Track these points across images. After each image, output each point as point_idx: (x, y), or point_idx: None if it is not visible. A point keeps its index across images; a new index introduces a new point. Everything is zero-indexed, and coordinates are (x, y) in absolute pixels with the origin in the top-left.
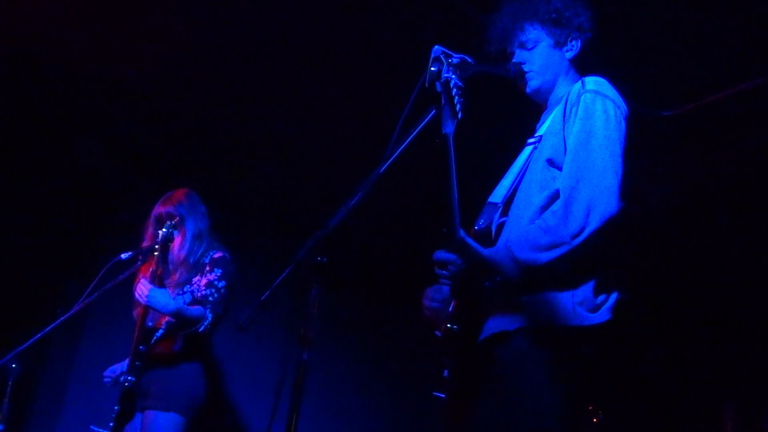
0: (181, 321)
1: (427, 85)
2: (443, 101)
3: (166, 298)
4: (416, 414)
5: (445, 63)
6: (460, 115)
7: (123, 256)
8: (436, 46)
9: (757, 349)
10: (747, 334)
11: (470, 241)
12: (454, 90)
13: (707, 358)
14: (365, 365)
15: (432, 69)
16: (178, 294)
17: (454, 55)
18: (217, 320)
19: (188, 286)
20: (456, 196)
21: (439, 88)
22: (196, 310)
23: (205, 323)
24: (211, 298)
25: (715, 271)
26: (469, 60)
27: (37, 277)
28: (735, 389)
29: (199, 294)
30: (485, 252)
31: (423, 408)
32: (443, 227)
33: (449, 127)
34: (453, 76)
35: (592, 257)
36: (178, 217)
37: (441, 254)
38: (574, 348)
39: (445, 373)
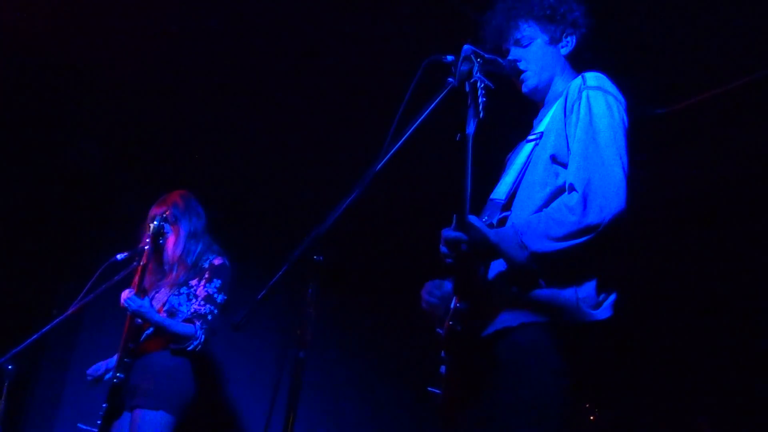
0: (165, 333)
1: (456, 84)
2: (469, 101)
3: (150, 313)
4: (413, 412)
5: (475, 62)
6: (481, 115)
7: (119, 256)
8: (466, 45)
9: (738, 357)
10: (742, 334)
11: (477, 222)
12: (481, 90)
13: (688, 364)
14: (362, 364)
15: (462, 68)
16: (174, 294)
17: (485, 55)
18: (210, 338)
19: (185, 288)
20: (469, 192)
21: (467, 87)
22: (186, 327)
23: (195, 343)
24: (209, 317)
25: (707, 270)
26: (501, 61)
27: (32, 278)
28: (711, 399)
29: (196, 308)
30: (491, 233)
31: (420, 406)
32: (453, 210)
33: (471, 127)
34: (482, 76)
35: (597, 254)
36: (171, 216)
37: (450, 232)
38: (577, 344)
39: (442, 369)
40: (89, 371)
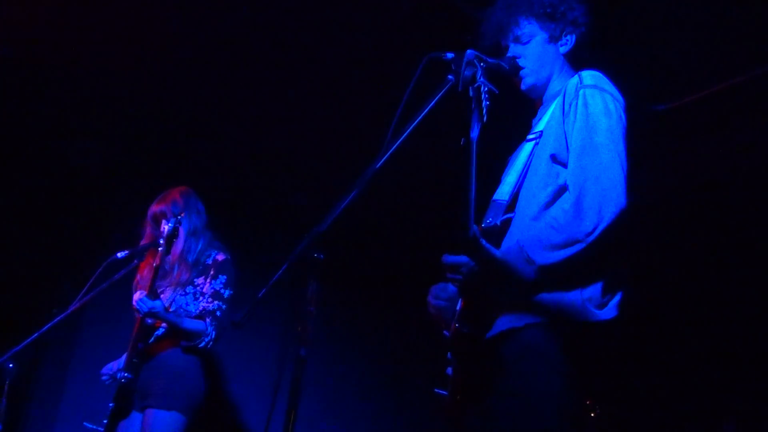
0: (176, 331)
1: (460, 89)
2: (473, 105)
3: (162, 312)
4: (415, 411)
5: (478, 67)
6: (485, 119)
7: (119, 255)
8: (470, 50)
9: (754, 352)
10: (742, 333)
11: (483, 241)
12: (484, 95)
13: (706, 361)
14: (363, 361)
15: (466, 74)
16: (180, 294)
17: (489, 60)
18: (221, 334)
19: (191, 287)
20: (473, 197)
21: (471, 93)
22: (197, 324)
23: (207, 339)
24: (218, 313)
25: (713, 266)
26: (504, 65)
27: (33, 276)
28: (735, 398)
29: (205, 305)
30: (498, 253)
31: (421, 405)
32: (458, 223)
33: (475, 132)
34: (486, 81)
35: (602, 254)
36: (170, 214)
37: (450, 258)
38: (582, 343)
39: (448, 370)
40: (103, 371)
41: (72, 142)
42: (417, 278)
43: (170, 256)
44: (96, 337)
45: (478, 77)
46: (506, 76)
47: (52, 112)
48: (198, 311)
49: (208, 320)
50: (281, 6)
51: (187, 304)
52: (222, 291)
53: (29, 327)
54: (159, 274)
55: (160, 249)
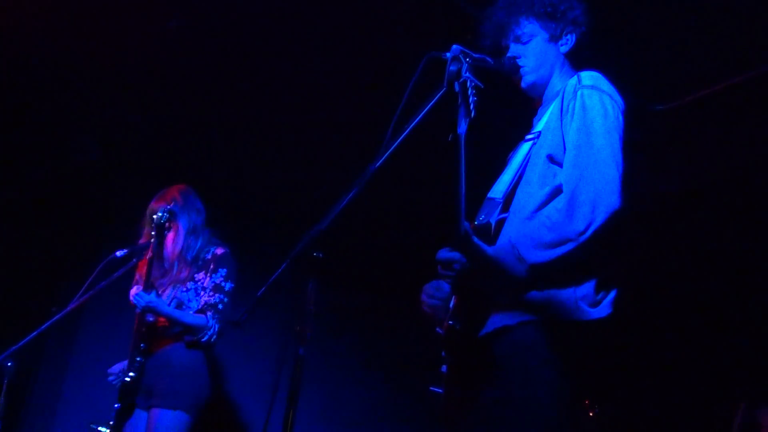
0: (179, 326)
1: (445, 85)
2: (460, 101)
3: (160, 305)
4: (413, 409)
5: (464, 62)
6: (473, 114)
7: (118, 253)
8: (455, 45)
9: (756, 348)
10: (743, 330)
11: (475, 238)
12: (471, 90)
13: (703, 356)
14: (362, 360)
15: (451, 69)
16: (182, 291)
17: (473, 55)
18: (225, 327)
19: (191, 283)
20: (463, 193)
21: (457, 88)
22: (198, 318)
23: (210, 333)
24: (221, 306)
25: (711, 266)
26: (489, 60)
27: (32, 275)
28: (739, 387)
29: (206, 299)
30: (490, 250)
31: (420, 403)
32: (448, 221)
33: (462, 127)
34: (471, 76)
35: (595, 253)
36: (171, 209)
37: (444, 254)
38: (576, 341)
39: (443, 368)
40: (111, 370)
41: (72, 140)
42: (416, 277)
43: (168, 254)
44: (95, 335)
45: (463, 72)
46: (499, 77)
47: (52, 109)
48: (200, 306)
49: (209, 314)
50: (281, 5)
51: (189, 300)
52: (222, 284)
53: (28, 325)
54: (155, 267)
55: (152, 240)
